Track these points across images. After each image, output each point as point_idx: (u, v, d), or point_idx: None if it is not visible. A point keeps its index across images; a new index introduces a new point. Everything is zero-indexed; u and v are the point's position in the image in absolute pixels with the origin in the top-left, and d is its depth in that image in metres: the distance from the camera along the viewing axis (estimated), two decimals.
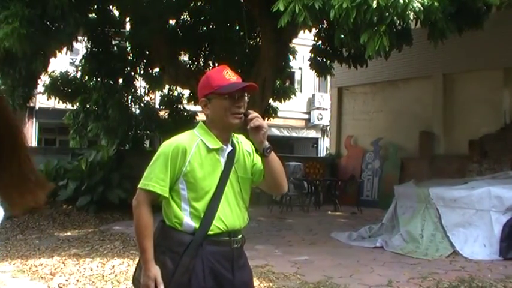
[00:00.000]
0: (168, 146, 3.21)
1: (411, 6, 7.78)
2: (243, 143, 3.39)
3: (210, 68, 17.12)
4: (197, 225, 3.11)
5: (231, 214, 3.21)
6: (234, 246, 3.21)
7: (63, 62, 19.65)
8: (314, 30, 14.47)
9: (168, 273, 3.06)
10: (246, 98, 3.26)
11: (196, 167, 3.13)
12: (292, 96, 19.38)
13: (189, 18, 16.86)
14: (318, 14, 8.18)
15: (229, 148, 3.26)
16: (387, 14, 7.87)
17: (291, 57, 17.85)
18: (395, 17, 7.92)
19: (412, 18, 8.14)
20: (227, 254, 3.18)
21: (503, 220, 9.82)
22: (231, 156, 3.25)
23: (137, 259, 9.24)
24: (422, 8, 7.89)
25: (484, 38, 14.14)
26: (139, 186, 3.19)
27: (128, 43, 17.62)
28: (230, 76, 3.21)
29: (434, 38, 9.64)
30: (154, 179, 3.13)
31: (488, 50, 15.74)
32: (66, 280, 8.09)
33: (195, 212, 3.13)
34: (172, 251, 3.11)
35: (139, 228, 3.15)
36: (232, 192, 3.23)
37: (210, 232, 3.12)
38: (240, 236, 3.28)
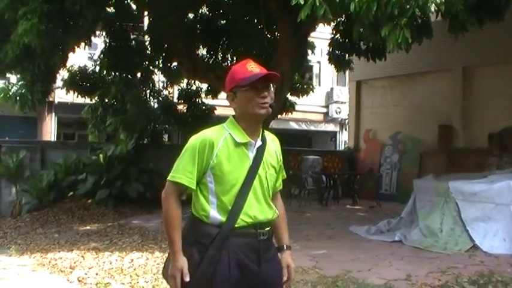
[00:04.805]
0: (196, 139, 3.23)
1: None
2: (273, 142, 3.45)
3: (228, 61, 17.15)
4: (223, 218, 3.15)
5: (258, 207, 3.24)
6: (261, 238, 3.24)
7: (82, 57, 19.75)
8: (332, 24, 14.43)
9: (194, 264, 3.11)
10: (272, 88, 3.27)
11: (224, 160, 3.16)
12: (311, 92, 19.36)
13: (207, 12, 16.85)
14: (338, 7, 8.13)
15: (259, 143, 3.29)
16: (408, 6, 7.81)
17: (309, 51, 17.81)
18: (416, 10, 7.85)
19: (433, 10, 8.07)
20: (253, 245, 3.21)
21: None
22: (260, 151, 3.29)
23: (155, 253, 9.32)
24: None
25: (504, 31, 14.03)
26: (168, 178, 3.23)
27: (146, 37, 17.65)
28: (253, 68, 3.23)
29: (454, 31, 9.57)
30: (181, 171, 3.18)
31: (508, 43, 15.59)
32: (86, 273, 8.14)
33: (222, 205, 3.17)
34: (199, 242, 3.15)
35: (167, 220, 3.20)
36: (260, 186, 3.26)
37: (236, 225, 3.15)
38: (267, 229, 3.31)
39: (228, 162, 3.17)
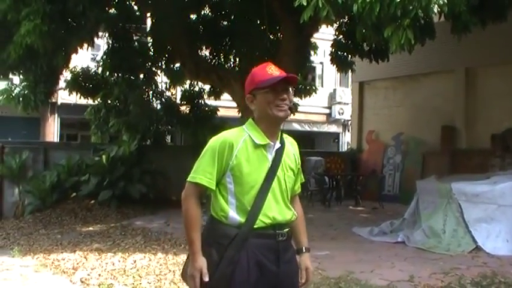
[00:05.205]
0: (215, 140, 3.26)
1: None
2: (291, 145, 3.48)
3: (231, 62, 17.15)
4: (242, 219, 3.17)
5: (277, 209, 3.26)
6: (279, 239, 3.26)
7: (85, 58, 19.74)
8: (335, 25, 14.43)
9: (213, 265, 3.13)
10: (291, 91, 3.32)
11: (243, 161, 3.19)
12: (313, 93, 19.33)
13: (209, 13, 16.85)
14: (340, 8, 8.13)
15: (278, 145, 3.33)
16: (411, 7, 7.80)
17: (311, 52, 17.80)
18: (419, 11, 7.84)
19: (435, 11, 8.06)
20: (272, 246, 3.23)
21: None
22: (279, 153, 3.32)
23: (158, 254, 9.30)
24: (445, 0, 7.82)
25: (506, 32, 14.00)
26: (187, 179, 3.26)
27: (148, 38, 17.65)
28: (273, 71, 3.28)
29: (457, 32, 9.56)
30: (201, 172, 3.21)
31: (511, 44, 15.57)
32: (88, 274, 8.15)
33: (241, 206, 3.19)
34: (218, 243, 3.17)
35: (187, 221, 3.23)
36: (279, 188, 3.28)
37: (255, 226, 3.17)
38: (286, 230, 3.32)
39: (247, 164, 3.20)
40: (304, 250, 3.56)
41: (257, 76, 3.29)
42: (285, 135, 3.42)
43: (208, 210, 3.33)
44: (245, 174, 3.18)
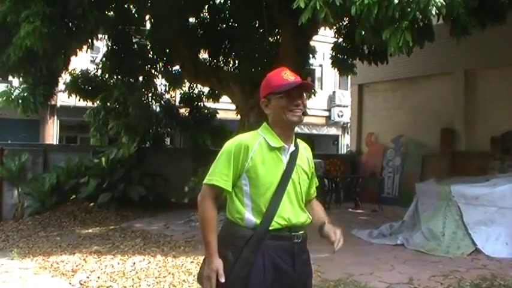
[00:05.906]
0: (231, 143, 3.32)
1: (433, 1, 7.70)
2: (305, 149, 3.55)
3: (230, 65, 17.14)
4: (258, 221, 3.20)
5: (292, 211, 3.30)
6: (295, 241, 3.30)
7: (84, 60, 19.75)
8: (334, 28, 14.43)
9: (229, 266, 3.16)
10: (305, 96, 3.39)
11: (258, 164, 3.24)
12: (313, 95, 19.30)
13: (208, 16, 16.85)
14: (338, 10, 8.13)
15: (292, 148, 3.39)
16: (409, 9, 7.80)
17: (310, 55, 17.77)
18: (417, 13, 7.84)
19: (434, 13, 8.05)
20: (288, 248, 3.27)
21: None
22: (293, 156, 3.37)
23: (157, 256, 9.30)
24: (444, 2, 7.82)
25: (506, 34, 14.00)
26: (204, 182, 3.30)
27: (148, 41, 17.64)
28: (288, 76, 3.33)
29: (456, 34, 9.55)
30: (217, 174, 3.25)
31: (510, 46, 15.55)
32: (88, 277, 8.15)
33: (256, 208, 3.23)
34: (233, 244, 3.20)
35: (203, 222, 3.27)
36: (294, 191, 3.33)
37: (270, 228, 3.20)
38: (301, 232, 3.36)
39: (262, 166, 3.24)
40: (326, 222, 3.56)
41: (273, 81, 3.34)
42: (299, 140, 3.49)
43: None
44: (260, 176, 3.23)
